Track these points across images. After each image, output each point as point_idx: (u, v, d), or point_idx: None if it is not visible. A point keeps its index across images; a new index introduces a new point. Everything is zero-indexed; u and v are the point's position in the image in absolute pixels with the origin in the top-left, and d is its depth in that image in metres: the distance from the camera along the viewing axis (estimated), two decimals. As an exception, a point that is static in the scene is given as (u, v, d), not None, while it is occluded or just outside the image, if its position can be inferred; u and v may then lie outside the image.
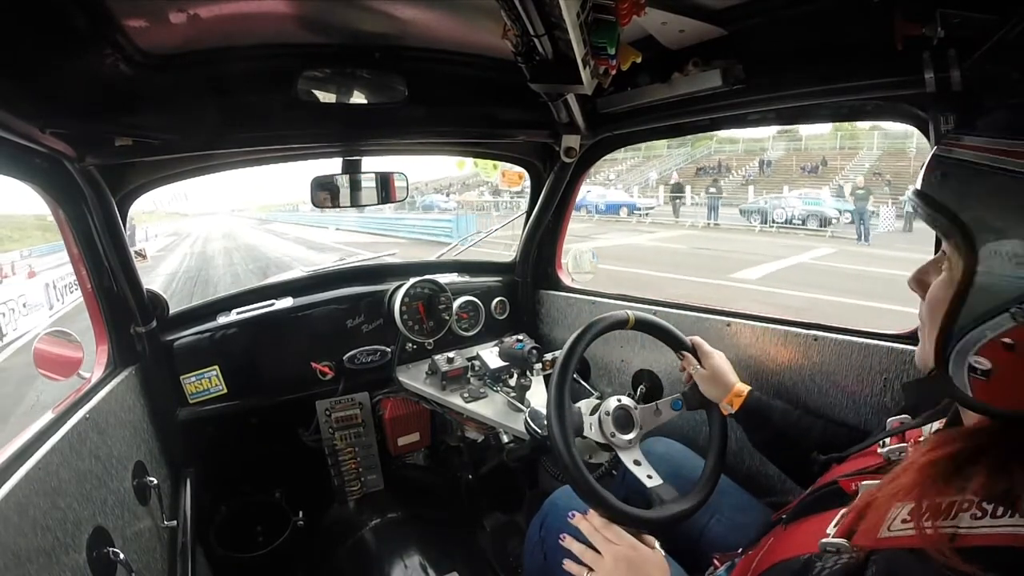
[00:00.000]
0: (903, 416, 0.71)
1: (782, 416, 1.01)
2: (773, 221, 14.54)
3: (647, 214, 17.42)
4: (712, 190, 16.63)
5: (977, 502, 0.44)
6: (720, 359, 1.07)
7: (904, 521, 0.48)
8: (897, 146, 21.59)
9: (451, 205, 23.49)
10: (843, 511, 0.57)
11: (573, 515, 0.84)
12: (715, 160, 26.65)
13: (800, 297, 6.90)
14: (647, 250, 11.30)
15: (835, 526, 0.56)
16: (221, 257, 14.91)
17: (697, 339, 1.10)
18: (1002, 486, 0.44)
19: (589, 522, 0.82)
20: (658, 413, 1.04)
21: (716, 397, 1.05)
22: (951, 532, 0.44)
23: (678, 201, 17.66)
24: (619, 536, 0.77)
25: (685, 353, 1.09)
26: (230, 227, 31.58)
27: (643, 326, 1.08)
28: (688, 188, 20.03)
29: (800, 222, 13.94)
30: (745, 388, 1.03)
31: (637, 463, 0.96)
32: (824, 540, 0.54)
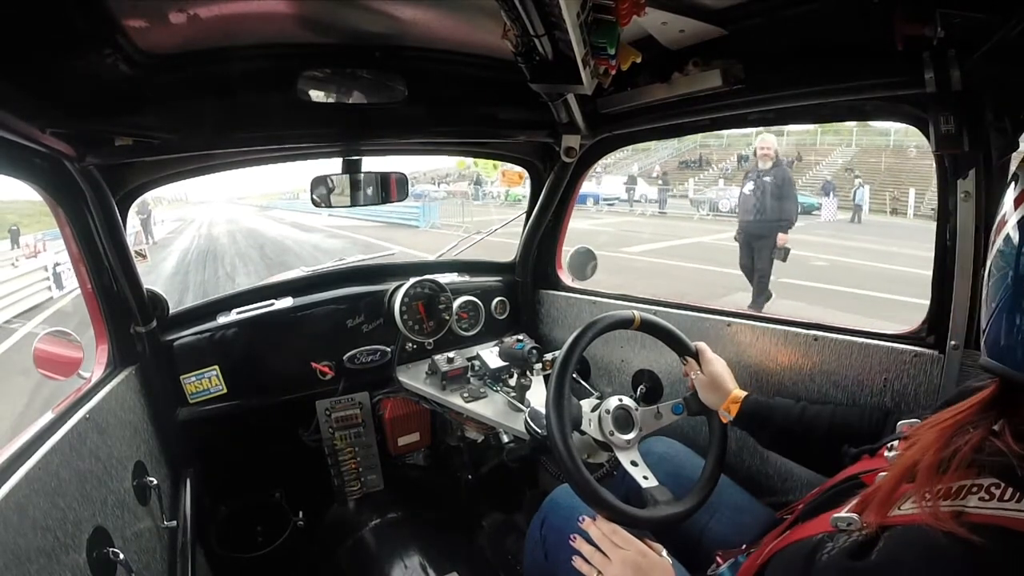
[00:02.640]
0: (913, 420, 0.71)
1: (784, 414, 1.00)
2: (715, 210, 16.07)
3: (613, 204, 19.07)
4: (660, 183, 19.08)
5: (986, 486, 0.45)
6: (721, 366, 1.05)
7: (914, 502, 0.49)
8: (875, 143, 22.27)
9: (440, 194, 24.46)
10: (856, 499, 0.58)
11: (583, 519, 0.84)
12: (697, 155, 27.27)
13: (659, 263, 8.52)
14: (577, 232, 12.34)
15: (848, 511, 0.57)
16: (226, 237, 16.86)
17: (701, 345, 1.09)
18: (990, 450, 0.46)
19: (598, 527, 0.82)
20: (659, 417, 1.04)
21: (714, 404, 1.03)
22: (958, 510, 0.45)
23: (632, 192, 19.49)
24: (627, 542, 0.77)
25: (688, 359, 1.08)
26: (232, 213, 34.27)
27: (648, 327, 1.07)
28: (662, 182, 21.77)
29: (743, 210, 15.27)
30: (742, 394, 1.02)
31: (634, 464, 0.96)
32: (835, 516, 0.55)
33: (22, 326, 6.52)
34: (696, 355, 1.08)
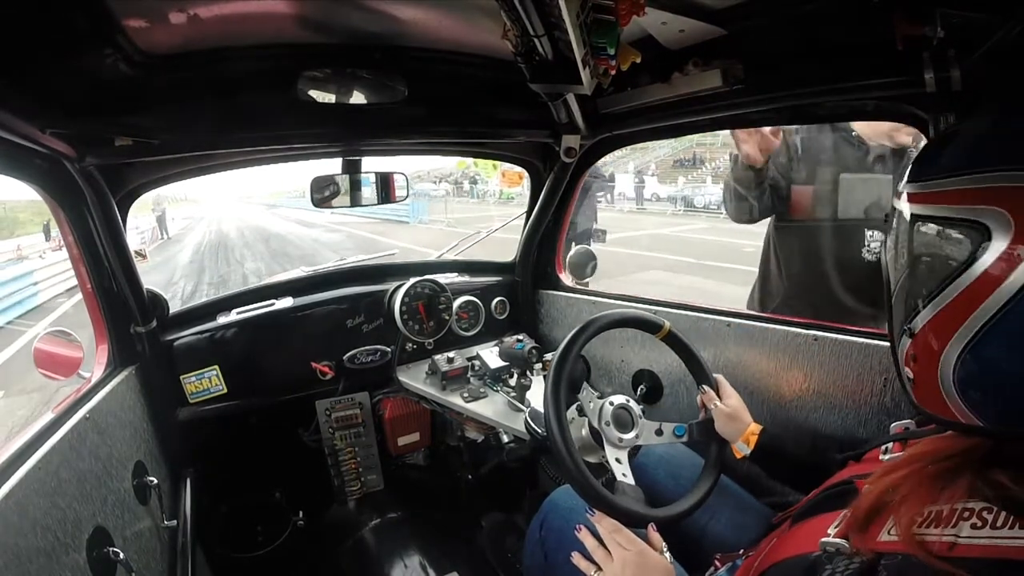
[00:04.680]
0: (907, 422, 0.71)
1: (796, 445, 0.99)
2: (691, 205, 17.42)
3: (599, 201, 19.74)
4: (636, 181, 20.63)
5: (978, 511, 0.44)
6: (739, 400, 1.04)
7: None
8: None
9: (440, 193, 26.01)
10: (845, 512, 0.58)
11: (580, 528, 0.84)
12: (691, 153, 27.77)
13: (601, 249, 9.80)
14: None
15: (836, 527, 0.57)
16: (235, 233, 18.93)
17: (720, 377, 1.08)
18: (988, 490, 0.45)
19: (601, 524, 0.82)
20: (659, 433, 1.02)
21: (731, 435, 1.02)
22: (951, 541, 0.44)
23: (612, 190, 20.82)
24: (630, 542, 0.77)
25: (706, 388, 1.06)
26: (240, 211, 37.20)
27: (673, 341, 1.06)
28: (654, 179, 23.40)
29: (715, 207, 16.47)
30: (758, 427, 1.00)
31: (619, 461, 0.95)
32: (824, 540, 0.54)
33: (66, 301, 8.32)
34: (715, 385, 1.06)
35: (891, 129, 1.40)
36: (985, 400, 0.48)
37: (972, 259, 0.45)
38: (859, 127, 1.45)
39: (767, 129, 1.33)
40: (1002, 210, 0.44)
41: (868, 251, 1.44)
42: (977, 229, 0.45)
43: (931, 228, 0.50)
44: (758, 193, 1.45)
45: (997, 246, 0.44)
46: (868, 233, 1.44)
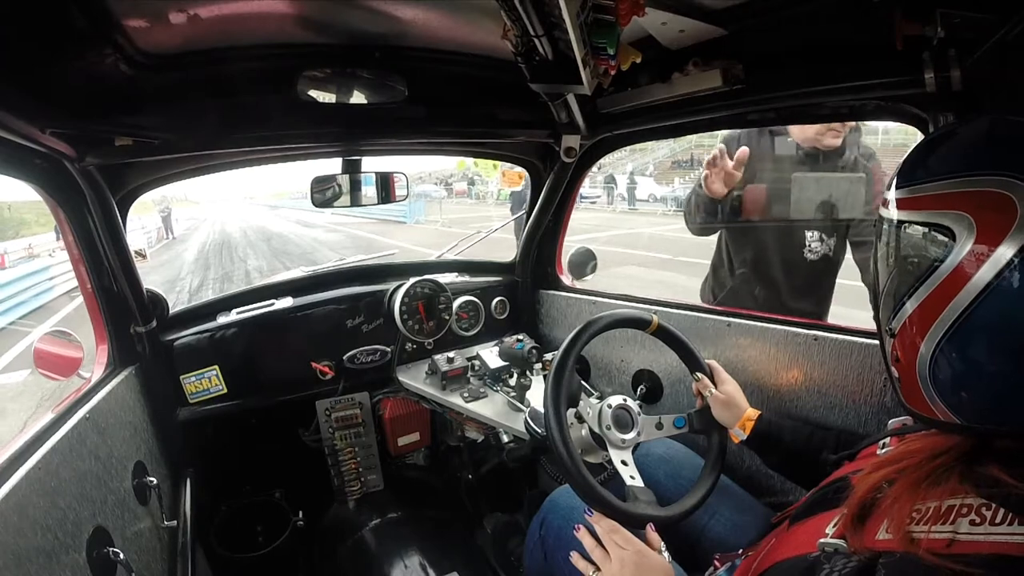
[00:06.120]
0: (905, 418, 0.71)
1: (793, 435, 0.99)
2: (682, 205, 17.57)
3: (595, 202, 21.33)
4: (629, 182, 21.38)
5: (976, 507, 0.44)
6: (734, 385, 1.05)
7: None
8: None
9: (441, 193, 26.73)
10: (843, 510, 0.58)
11: (579, 528, 0.84)
12: (689, 154, 28.21)
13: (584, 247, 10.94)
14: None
15: (834, 526, 0.57)
16: (238, 233, 19.85)
17: (714, 363, 1.09)
18: (984, 485, 0.45)
19: (599, 524, 0.82)
20: (659, 427, 1.03)
21: (728, 421, 1.03)
22: (948, 537, 0.44)
23: (611, 191, 21.41)
24: (628, 541, 0.77)
25: (700, 376, 1.07)
26: (243, 213, 38.75)
27: (664, 335, 1.08)
28: (651, 180, 23.78)
29: (705, 206, 17.15)
30: (755, 412, 1.01)
31: (624, 463, 0.95)
32: (822, 540, 0.54)
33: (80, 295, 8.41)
34: (710, 373, 1.07)
35: (817, 132, 1.47)
36: (959, 397, 0.50)
37: (940, 261, 0.49)
38: (792, 131, 1.53)
39: (730, 165, 1.40)
40: (964, 213, 0.47)
41: (809, 251, 1.51)
42: (943, 232, 0.49)
43: (906, 232, 0.53)
44: (716, 218, 1.55)
45: (961, 248, 0.47)
46: (808, 234, 1.51)
